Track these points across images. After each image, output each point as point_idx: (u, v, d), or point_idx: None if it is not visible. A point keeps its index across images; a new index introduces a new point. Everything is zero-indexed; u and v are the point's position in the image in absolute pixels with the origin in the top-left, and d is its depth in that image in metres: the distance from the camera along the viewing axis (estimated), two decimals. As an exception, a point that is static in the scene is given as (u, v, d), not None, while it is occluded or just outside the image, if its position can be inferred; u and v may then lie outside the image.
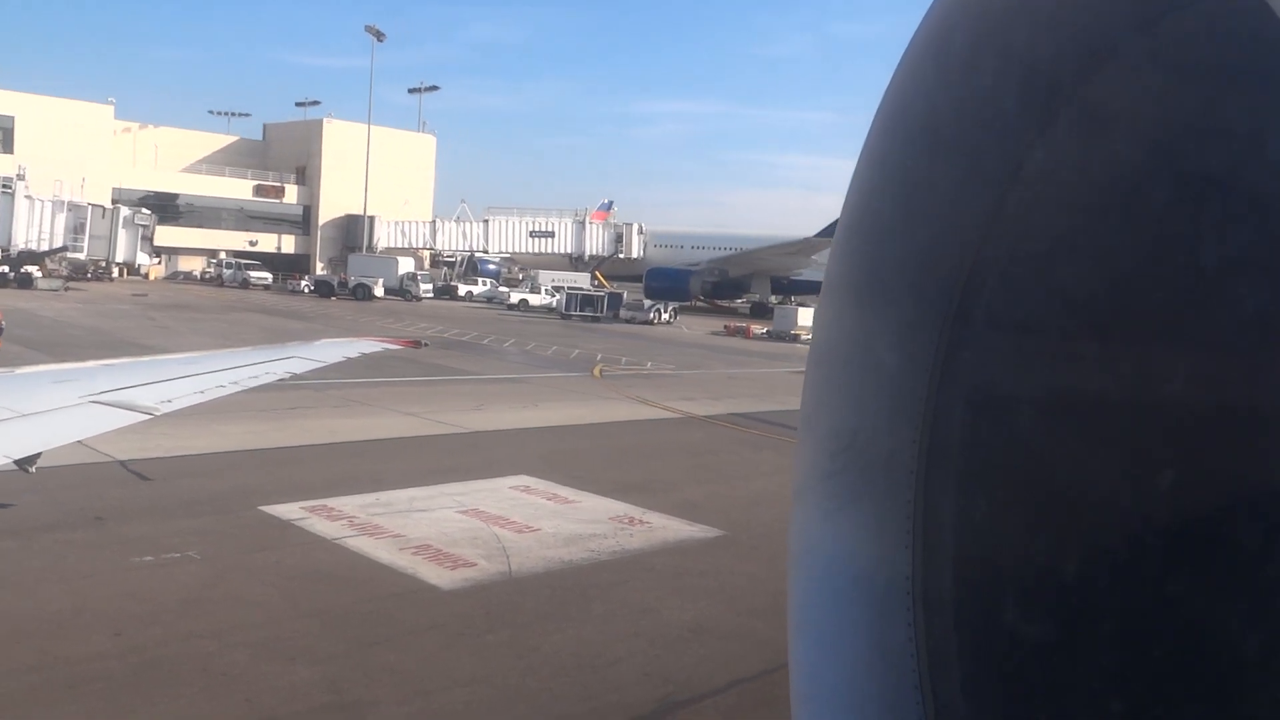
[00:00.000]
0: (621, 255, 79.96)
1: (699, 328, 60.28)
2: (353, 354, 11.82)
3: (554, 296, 66.55)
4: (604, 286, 73.45)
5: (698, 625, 10.43)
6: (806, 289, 76.91)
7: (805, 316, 57.72)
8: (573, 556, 12.61)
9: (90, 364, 9.92)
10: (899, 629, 1.29)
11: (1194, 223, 1.11)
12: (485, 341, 43.61)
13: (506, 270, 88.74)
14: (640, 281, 76.11)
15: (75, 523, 12.95)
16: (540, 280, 72.83)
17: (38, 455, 5.99)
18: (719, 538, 13.95)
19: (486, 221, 79.50)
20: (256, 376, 9.16)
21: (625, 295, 64.37)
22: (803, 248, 70.62)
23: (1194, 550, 1.10)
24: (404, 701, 8.30)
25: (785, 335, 55.49)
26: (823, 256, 68.28)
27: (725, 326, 59.58)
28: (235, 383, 8.69)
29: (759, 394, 31.16)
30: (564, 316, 60.28)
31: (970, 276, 1.22)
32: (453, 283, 74.43)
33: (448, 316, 57.73)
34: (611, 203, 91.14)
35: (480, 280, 75.62)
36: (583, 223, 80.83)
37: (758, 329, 57.09)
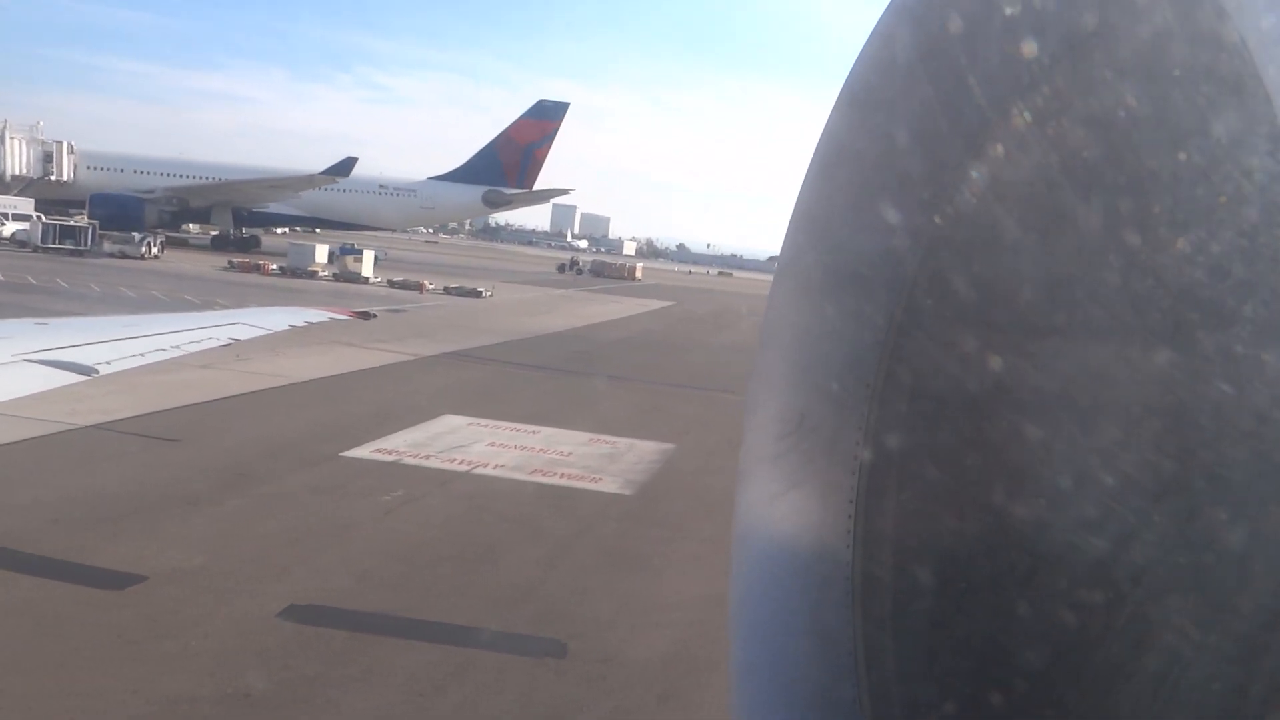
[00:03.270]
0: (54, 178, 70.95)
1: (195, 263, 57.91)
2: (298, 322, 12.39)
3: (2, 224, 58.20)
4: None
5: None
6: (269, 221, 76.43)
7: (321, 254, 58.97)
8: (641, 466, 17.03)
9: (26, 321, 10.28)
10: (837, 612, 1.30)
11: (1140, 225, 1.07)
12: (33, 280, 39.04)
13: None
14: (70, 207, 69.06)
15: (233, 482, 13.91)
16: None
17: None
18: (679, 447, 19.13)
19: None
20: (198, 341, 9.29)
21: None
22: (294, 183, 70.11)
23: (1133, 542, 1.03)
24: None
25: (302, 271, 56.26)
26: (309, 193, 69.21)
27: (231, 261, 58.07)
28: (177, 346, 8.83)
29: (420, 334, 34.44)
30: (37, 249, 53.61)
31: (918, 272, 1.21)
32: None
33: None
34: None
35: None
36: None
37: (272, 265, 56.84)
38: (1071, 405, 1.18)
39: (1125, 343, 1.17)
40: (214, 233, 74.12)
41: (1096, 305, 1.18)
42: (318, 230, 79.80)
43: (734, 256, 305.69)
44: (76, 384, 19.58)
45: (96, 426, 16.18)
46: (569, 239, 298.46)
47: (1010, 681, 1.20)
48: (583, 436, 19.07)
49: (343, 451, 16.03)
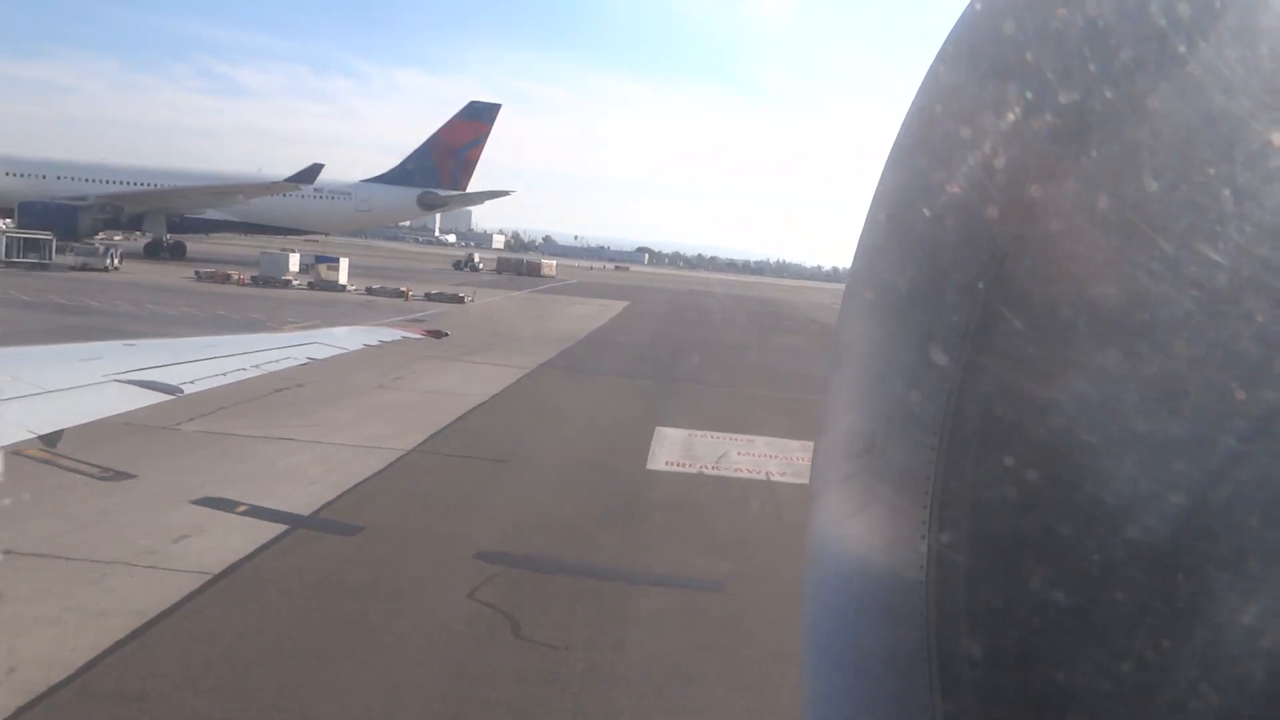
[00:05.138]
0: (-34, 185, 67.18)
1: (157, 274, 56.58)
2: (372, 342, 12.48)
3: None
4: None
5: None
6: (202, 227, 74.54)
7: (295, 262, 58.40)
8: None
9: (114, 343, 10.33)
10: (911, 636, 1.27)
11: (1218, 237, 0.97)
12: (62, 300, 38.15)
13: None
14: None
15: (629, 498, 15.69)
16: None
17: (61, 432, 6.07)
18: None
19: None
20: (277, 361, 9.50)
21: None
22: (252, 190, 68.39)
23: (1216, 558, 0.95)
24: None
25: (275, 281, 55.71)
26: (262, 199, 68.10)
27: (198, 272, 56.91)
28: (257, 366, 9.08)
29: (484, 347, 35.78)
30: (1, 263, 51.61)
31: (992, 286, 1.13)
32: None
33: None
34: None
35: None
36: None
37: (244, 276, 55.92)
38: (1157, 429, 1.09)
39: (1218, 365, 1.06)
40: (146, 240, 71.83)
41: (1187, 324, 1.08)
42: (247, 235, 78.32)
43: (602, 248, 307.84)
44: (324, 409, 21.23)
45: (417, 451, 17.55)
46: (436, 233, 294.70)
47: (1094, 709, 1.14)
48: (795, 444, 21.35)
49: (646, 466, 17.91)
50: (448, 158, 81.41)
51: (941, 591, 1.25)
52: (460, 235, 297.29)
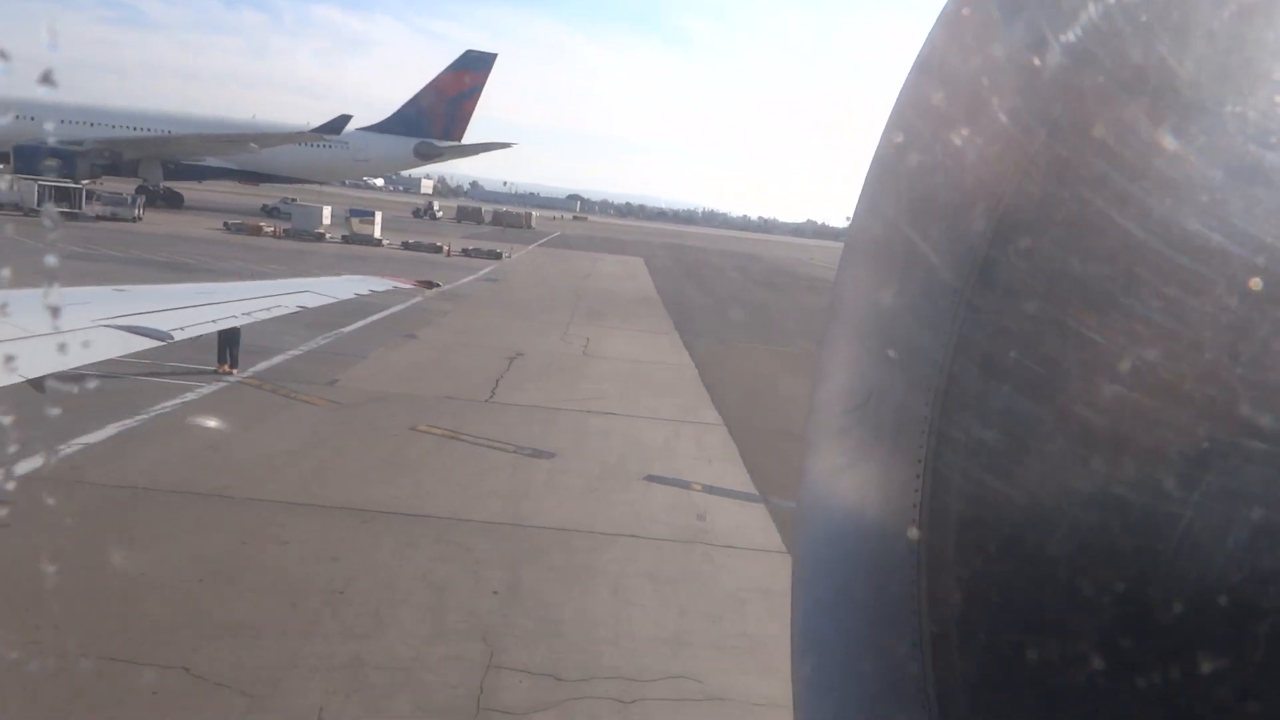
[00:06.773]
0: (-47, 127, 63.96)
1: (178, 225, 55.32)
2: (364, 291, 12.43)
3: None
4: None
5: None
6: (199, 174, 72.63)
7: (329, 216, 57.64)
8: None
9: (104, 289, 10.40)
10: (902, 588, 1.27)
11: (1218, 208, 1.06)
12: (119, 253, 37.48)
13: None
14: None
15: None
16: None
17: (47, 377, 5.95)
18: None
19: None
20: (269, 309, 9.29)
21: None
22: (274, 139, 66.38)
23: (1204, 530, 1.08)
24: None
25: (308, 234, 54.97)
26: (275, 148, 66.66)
27: (227, 224, 55.75)
28: (248, 314, 8.96)
29: (594, 314, 36.53)
30: (30, 212, 49.77)
31: (993, 245, 1.18)
32: None
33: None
34: None
35: None
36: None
37: (269, 228, 54.96)
38: (1152, 387, 1.09)
39: (1219, 322, 1.06)
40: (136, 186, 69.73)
41: (1183, 282, 1.07)
42: (241, 184, 76.60)
43: (532, 194, 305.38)
44: (578, 381, 22.38)
45: (739, 426, 18.59)
46: (364, 178, 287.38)
47: (1081, 659, 1.14)
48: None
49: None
50: (442, 108, 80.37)
51: (932, 544, 1.23)
52: (387, 180, 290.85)
